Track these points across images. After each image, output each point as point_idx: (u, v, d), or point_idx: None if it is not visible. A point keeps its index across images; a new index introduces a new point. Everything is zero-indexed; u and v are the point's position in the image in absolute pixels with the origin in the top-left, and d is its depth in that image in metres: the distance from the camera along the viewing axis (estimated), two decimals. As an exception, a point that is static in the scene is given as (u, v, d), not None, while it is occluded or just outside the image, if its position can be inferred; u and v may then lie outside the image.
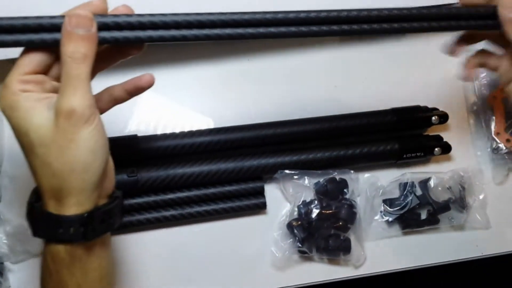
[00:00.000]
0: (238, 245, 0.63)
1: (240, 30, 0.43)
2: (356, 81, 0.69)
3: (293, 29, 0.44)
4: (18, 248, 0.58)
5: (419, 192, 0.65)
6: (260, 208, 0.63)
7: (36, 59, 0.40)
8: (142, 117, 0.64)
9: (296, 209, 0.62)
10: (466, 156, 0.68)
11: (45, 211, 0.40)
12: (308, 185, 0.62)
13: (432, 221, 0.65)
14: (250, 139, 0.62)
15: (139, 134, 0.60)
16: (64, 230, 0.39)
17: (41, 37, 0.40)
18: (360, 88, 0.68)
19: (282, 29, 0.44)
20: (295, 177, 0.62)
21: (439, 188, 0.65)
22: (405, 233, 0.65)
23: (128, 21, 0.41)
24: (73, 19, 0.38)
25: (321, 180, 0.63)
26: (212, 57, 0.67)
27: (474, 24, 0.50)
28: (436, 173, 0.65)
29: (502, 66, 0.54)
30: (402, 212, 0.64)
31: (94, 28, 0.39)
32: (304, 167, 0.62)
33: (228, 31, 0.43)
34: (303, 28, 0.45)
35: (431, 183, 0.65)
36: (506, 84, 0.55)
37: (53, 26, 0.39)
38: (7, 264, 0.58)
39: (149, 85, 0.44)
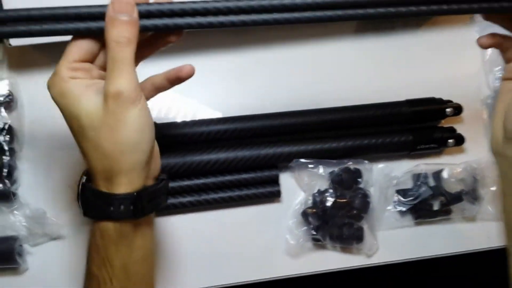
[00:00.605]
0: (253, 232, 0.64)
1: (276, 16, 0.44)
2: (371, 72, 0.69)
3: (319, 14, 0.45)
4: (36, 231, 0.59)
5: (432, 183, 0.66)
6: (275, 196, 0.63)
7: (84, 47, 0.42)
8: (155, 105, 0.65)
9: (311, 197, 0.63)
10: (479, 149, 0.68)
11: (97, 190, 0.41)
12: (323, 174, 0.63)
13: (445, 212, 0.65)
14: (266, 128, 0.63)
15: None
16: (114, 208, 0.41)
17: (87, 25, 0.41)
18: (375, 79, 0.69)
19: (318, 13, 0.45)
20: (310, 166, 0.63)
21: (452, 180, 0.66)
22: (417, 224, 0.66)
23: (168, 8, 0.42)
24: (116, 5, 0.40)
25: (336, 169, 0.64)
26: (228, 47, 0.67)
27: None
28: (449, 165, 0.66)
29: None
30: (415, 202, 0.65)
31: (135, 14, 0.41)
32: (319, 156, 0.63)
33: (264, 16, 0.44)
34: (329, 13, 0.45)
35: (444, 174, 0.66)
36: (505, 80, 0.53)
37: (100, 14, 0.41)
38: (26, 246, 0.59)
39: (190, 75, 0.46)
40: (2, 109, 0.60)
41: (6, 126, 0.59)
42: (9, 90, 0.60)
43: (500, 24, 0.52)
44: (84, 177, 0.44)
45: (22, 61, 0.63)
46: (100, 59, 0.43)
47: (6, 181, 0.58)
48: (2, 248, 0.57)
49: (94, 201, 0.42)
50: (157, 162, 0.46)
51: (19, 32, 0.42)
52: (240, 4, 0.43)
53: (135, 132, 0.40)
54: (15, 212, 0.59)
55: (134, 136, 0.40)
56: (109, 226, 0.42)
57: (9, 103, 0.60)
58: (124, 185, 0.41)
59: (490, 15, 0.51)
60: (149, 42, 0.45)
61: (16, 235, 0.58)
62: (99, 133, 0.40)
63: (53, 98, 0.41)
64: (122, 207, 0.41)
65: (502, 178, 0.52)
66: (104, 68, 0.43)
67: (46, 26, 0.41)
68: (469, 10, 0.48)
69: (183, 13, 0.43)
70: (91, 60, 0.43)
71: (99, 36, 0.41)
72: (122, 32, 0.40)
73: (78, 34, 0.42)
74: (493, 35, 0.52)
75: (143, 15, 0.42)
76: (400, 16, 0.47)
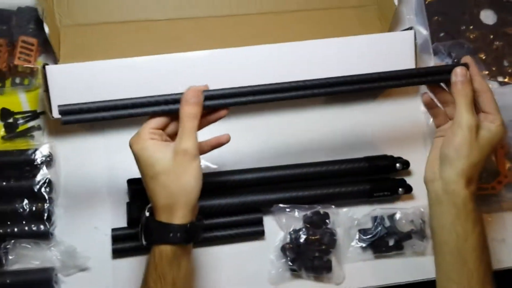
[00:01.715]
0: (242, 264, 0.78)
1: (284, 94, 0.64)
2: (337, 135, 0.85)
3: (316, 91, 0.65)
4: (69, 264, 0.73)
5: (387, 223, 0.80)
6: (259, 234, 0.78)
7: (160, 120, 0.59)
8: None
9: (288, 235, 0.78)
10: (425, 195, 0.80)
11: (160, 222, 0.56)
12: (298, 216, 0.78)
13: (398, 248, 0.80)
14: (252, 179, 0.78)
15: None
16: (173, 235, 0.56)
17: (166, 108, 0.59)
18: (340, 140, 0.85)
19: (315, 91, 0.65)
20: (288, 210, 0.78)
21: (403, 221, 0.80)
22: (376, 257, 0.80)
23: (220, 93, 0.61)
24: (190, 92, 0.58)
25: (308, 212, 0.79)
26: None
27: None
28: (401, 209, 0.81)
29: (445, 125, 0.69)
30: (373, 239, 0.79)
31: (202, 98, 0.59)
32: (295, 202, 0.79)
33: (274, 95, 0.64)
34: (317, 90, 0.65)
35: (397, 216, 0.80)
36: (436, 137, 0.69)
37: (173, 100, 0.59)
38: (60, 276, 0.74)
39: (227, 141, 0.64)
40: (44, 167, 0.75)
41: (47, 180, 0.75)
42: (49, 152, 0.76)
43: (435, 95, 0.70)
44: (147, 213, 0.59)
45: (59, 128, 0.79)
46: (169, 129, 0.60)
47: (46, 223, 0.73)
48: (43, 277, 0.72)
49: (156, 229, 0.57)
50: (197, 207, 0.60)
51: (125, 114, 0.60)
52: (258, 88, 0.63)
53: (193, 179, 0.56)
54: (52, 248, 0.73)
55: (192, 181, 0.56)
56: (167, 249, 0.56)
57: (49, 162, 0.76)
58: (180, 218, 0.56)
59: (432, 88, 0.69)
60: (206, 117, 0.62)
61: (53, 266, 0.73)
62: (168, 177, 0.56)
63: (134, 152, 0.57)
64: (178, 234, 0.56)
65: (431, 202, 0.67)
66: (170, 135, 0.60)
67: (140, 110, 0.60)
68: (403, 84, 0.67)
69: (229, 96, 0.61)
70: (163, 129, 0.60)
71: (172, 114, 0.59)
72: (192, 110, 0.57)
73: (160, 114, 0.59)
74: (432, 99, 0.70)
75: (205, 98, 0.60)
76: (358, 91, 0.66)
